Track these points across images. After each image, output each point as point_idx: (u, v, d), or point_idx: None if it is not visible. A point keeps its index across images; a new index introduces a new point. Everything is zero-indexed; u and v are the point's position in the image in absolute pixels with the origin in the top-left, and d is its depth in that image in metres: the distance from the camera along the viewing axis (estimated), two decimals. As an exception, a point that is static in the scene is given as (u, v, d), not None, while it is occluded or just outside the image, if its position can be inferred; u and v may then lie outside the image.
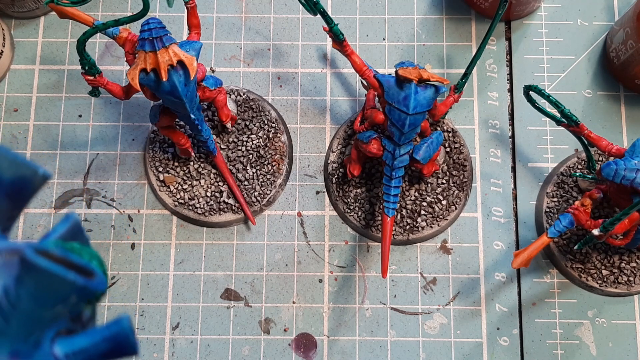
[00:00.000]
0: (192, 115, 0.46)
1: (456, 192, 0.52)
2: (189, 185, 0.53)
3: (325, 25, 0.43)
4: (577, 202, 0.44)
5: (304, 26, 0.57)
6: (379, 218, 0.52)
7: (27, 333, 0.20)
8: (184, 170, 0.53)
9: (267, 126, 0.54)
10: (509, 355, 0.51)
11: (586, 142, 0.46)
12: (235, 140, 0.53)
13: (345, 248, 0.53)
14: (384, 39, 0.57)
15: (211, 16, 0.57)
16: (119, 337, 0.20)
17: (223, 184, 0.53)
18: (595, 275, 0.51)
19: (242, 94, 0.54)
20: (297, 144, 0.55)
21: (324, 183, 0.54)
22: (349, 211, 0.52)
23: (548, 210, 0.52)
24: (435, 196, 0.52)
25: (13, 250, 0.20)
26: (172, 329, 0.51)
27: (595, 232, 0.42)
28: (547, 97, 0.42)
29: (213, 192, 0.52)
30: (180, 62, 0.42)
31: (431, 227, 0.52)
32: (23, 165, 0.20)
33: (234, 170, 0.53)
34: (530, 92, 0.44)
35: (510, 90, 0.56)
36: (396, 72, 0.44)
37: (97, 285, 0.19)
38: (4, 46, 0.55)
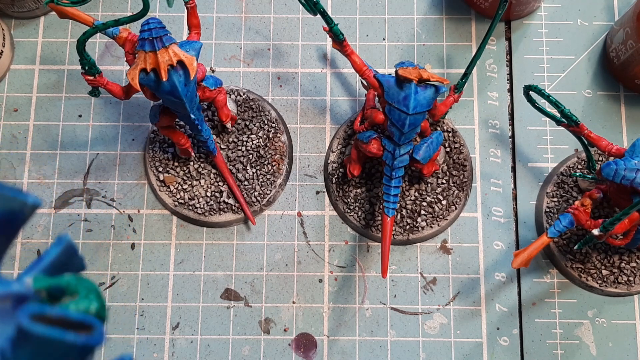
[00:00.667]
0: (192, 115, 0.46)
1: (456, 192, 0.52)
2: (189, 185, 0.53)
3: (325, 25, 0.43)
4: (577, 202, 0.44)
5: (304, 26, 0.57)
6: (379, 218, 0.52)
7: None
8: (184, 170, 0.53)
9: (267, 126, 0.54)
10: (509, 355, 0.51)
11: (586, 142, 0.46)
12: (235, 140, 0.53)
13: (345, 248, 0.53)
14: (384, 39, 0.57)
15: (211, 16, 0.57)
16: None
17: (223, 184, 0.53)
18: (595, 275, 0.51)
19: (242, 94, 0.54)
20: (297, 144, 0.55)
21: (324, 183, 0.54)
22: (349, 211, 0.52)
23: (548, 210, 0.52)
24: (435, 196, 0.52)
25: (5, 296, 0.19)
26: (172, 329, 0.51)
27: (595, 232, 0.42)
28: (547, 97, 0.42)
29: (213, 192, 0.52)
30: (180, 62, 0.42)
31: (431, 227, 0.52)
32: (11, 198, 0.19)
33: (234, 170, 0.53)
34: (530, 92, 0.44)
35: (510, 90, 0.56)
36: (396, 72, 0.44)
37: (97, 339, 0.18)
38: (4, 46, 0.55)
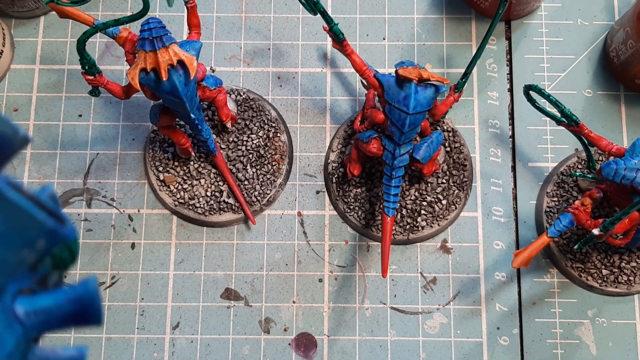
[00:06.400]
0: (192, 115, 0.46)
1: (456, 191, 0.52)
2: (189, 185, 0.53)
3: (325, 25, 0.43)
4: (577, 202, 0.44)
5: (304, 26, 0.57)
6: (379, 218, 0.52)
7: None
8: (184, 170, 0.53)
9: (267, 126, 0.54)
10: (509, 355, 0.51)
11: (586, 142, 0.46)
12: (235, 139, 0.53)
13: (345, 248, 0.53)
14: (384, 39, 0.57)
15: (211, 16, 0.57)
16: (84, 300, 0.19)
17: (223, 184, 0.53)
18: (595, 274, 0.51)
19: (242, 93, 0.54)
20: (297, 144, 0.55)
21: (324, 183, 0.54)
22: (349, 211, 0.52)
23: (548, 209, 0.52)
24: (435, 196, 0.52)
25: None
26: (172, 328, 0.51)
27: (595, 231, 0.42)
28: (547, 97, 0.42)
29: (213, 192, 0.52)
30: (180, 62, 0.42)
31: (431, 226, 0.52)
32: (4, 122, 0.19)
33: (234, 170, 0.53)
34: (530, 92, 0.44)
35: (510, 90, 0.56)
36: (396, 71, 0.44)
37: (67, 232, 0.18)
38: (4, 46, 0.55)
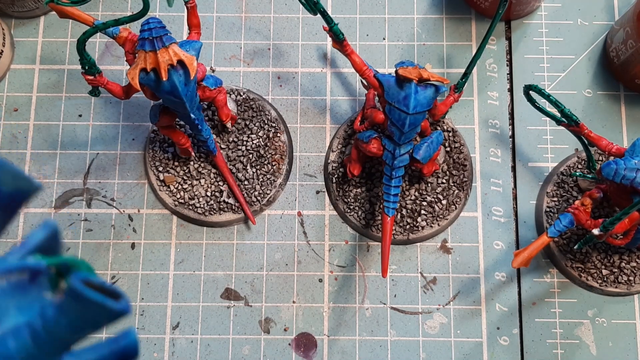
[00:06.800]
0: (192, 115, 0.46)
1: (456, 191, 0.52)
2: (189, 185, 0.53)
3: (325, 25, 0.43)
4: (577, 202, 0.44)
5: (304, 26, 0.57)
6: (379, 218, 0.52)
7: (51, 356, 0.20)
8: (184, 170, 0.53)
9: (267, 126, 0.54)
10: (509, 355, 0.51)
11: (586, 142, 0.46)
12: (235, 139, 0.53)
13: (345, 248, 0.53)
14: (384, 39, 0.57)
15: (211, 16, 0.57)
16: (127, 350, 0.20)
17: (223, 184, 0.53)
18: (595, 274, 0.51)
19: (242, 93, 0.54)
20: (297, 144, 0.55)
21: (324, 183, 0.54)
22: (349, 211, 0.52)
23: (548, 209, 0.52)
24: (435, 196, 0.52)
25: (22, 269, 0.20)
26: (172, 328, 0.51)
27: (595, 231, 0.42)
28: (547, 97, 0.42)
29: (213, 192, 0.52)
30: (180, 62, 0.42)
31: (431, 226, 0.52)
32: (23, 179, 0.20)
33: (234, 170, 0.53)
34: (530, 92, 0.44)
35: (511, 90, 0.56)
36: (396, 71, 0.44)
37: (129, 308, 0.20)
38: (4, 46, 0.55)
